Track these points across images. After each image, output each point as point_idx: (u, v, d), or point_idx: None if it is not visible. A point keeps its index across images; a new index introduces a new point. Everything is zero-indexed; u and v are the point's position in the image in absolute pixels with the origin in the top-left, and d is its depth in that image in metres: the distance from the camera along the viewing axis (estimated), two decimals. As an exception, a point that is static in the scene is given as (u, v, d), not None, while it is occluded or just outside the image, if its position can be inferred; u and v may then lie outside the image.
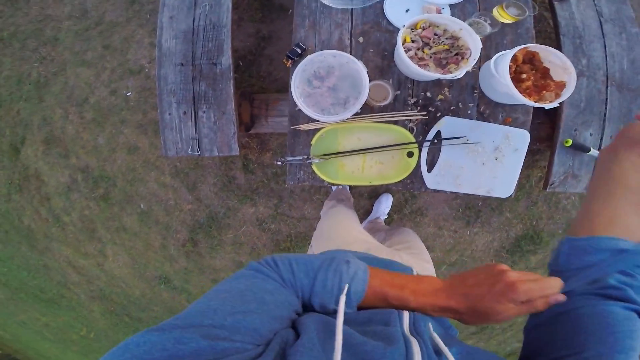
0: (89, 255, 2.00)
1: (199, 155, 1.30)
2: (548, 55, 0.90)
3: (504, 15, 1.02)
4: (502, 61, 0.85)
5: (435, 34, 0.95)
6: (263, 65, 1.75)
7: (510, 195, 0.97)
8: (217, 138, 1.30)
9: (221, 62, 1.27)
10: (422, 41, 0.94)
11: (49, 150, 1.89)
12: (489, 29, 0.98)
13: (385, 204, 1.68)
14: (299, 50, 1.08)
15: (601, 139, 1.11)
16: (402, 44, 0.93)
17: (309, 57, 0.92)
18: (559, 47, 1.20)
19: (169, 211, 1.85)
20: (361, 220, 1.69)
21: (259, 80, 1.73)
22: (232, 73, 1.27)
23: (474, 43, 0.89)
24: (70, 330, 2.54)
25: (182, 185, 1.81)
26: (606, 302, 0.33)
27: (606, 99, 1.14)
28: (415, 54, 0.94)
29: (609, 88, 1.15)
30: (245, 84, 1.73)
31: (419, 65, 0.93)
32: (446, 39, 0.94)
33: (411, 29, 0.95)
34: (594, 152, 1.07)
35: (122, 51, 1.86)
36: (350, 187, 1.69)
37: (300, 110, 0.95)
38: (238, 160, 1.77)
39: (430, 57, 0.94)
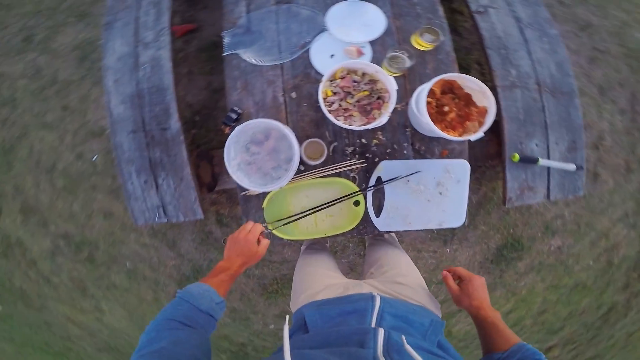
0: (86, 311, 1.99)
1: (167, 222, 1.31)
2: (465, 81, 0.89)
3: (421, 44, 1.04)
4: (420, 98, 0.86)
5: (354, 81, 0.96)
6: (219, 118, 1.77)
7: (464, 223, 0.96)
8: (180, 204, 1.29)
9: (170, 126, 1.25)
10: (343, 91, 0.95)
11: (27, 220, 1.89)
12: (408, 62, 0.98)
13: None
14: (234, 116, 1.10)
15: (547, 147, 1.11)
16: (325, 98, 0.94)
17: (238, 128, 0.93)
18: (486, 60, 1.21)
19: (154, 268, 1.85)
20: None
21: (217, 134, 1.75)
22: (182, 137, 1.26)
23: (390, 85, 0.90)
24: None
25: (162, 244, 1.81)
26: None
27: (543, 107, 1.14)
28: (340, 105, 0.95)
29: (543, 95, 1.15)
30: (203, 140, 1.76)
31: (345, 117, 0.95)
32: (365, 84, 0.95)
33: (330, 81, 0.97)
34: (543, 161, 1.07)
35: (81, 112, 1.84)
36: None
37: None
38: (212, 216, 1.78)
39: (354, 105, 0.95)
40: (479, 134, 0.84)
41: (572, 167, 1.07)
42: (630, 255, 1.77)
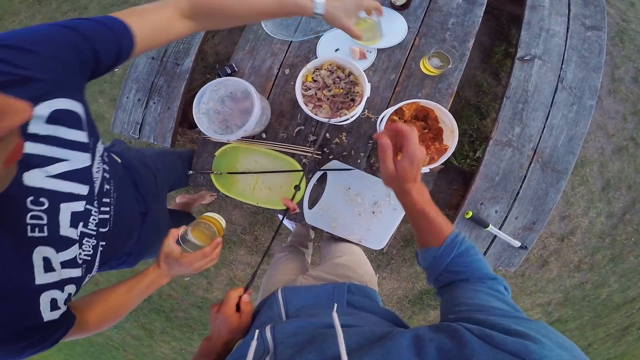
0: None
1: (138, 138, 1.40)
2: (442, 114, 0.87)
3: (428, 68, 1.01)
4: (385, 115, 0.86)
5: (338, 77, 0.97)
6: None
7: (382, 249, 0.96)
8: (157, 128, 1.38)
9: (183, 63, 1.38)
10: (324, 82, 0.97)
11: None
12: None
13: None
14: (229, 71, 1.15)
15: (506, 217, 1.06)
16: (304, 82, 0.97)
17: (220, 79, 0.97)
18: (499, 109, 1.13)
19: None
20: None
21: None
22: (188, 75, 1.36)
23: (365, 91, 0.90)
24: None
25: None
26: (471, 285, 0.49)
27: (525, 177, 1.07)
28: (315, 93, 0.97)
29: (532, 165, 1.07)
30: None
31: (315, 105, 0.97)
32: (345, 83, 0.96)
33: (316, 69, 0.98)
34: (492, 229, 1.03)
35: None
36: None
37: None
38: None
39: (328, 99, 0.97)
40: (425, 169, 0.83)
41: (516, 244, 1.02)
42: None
